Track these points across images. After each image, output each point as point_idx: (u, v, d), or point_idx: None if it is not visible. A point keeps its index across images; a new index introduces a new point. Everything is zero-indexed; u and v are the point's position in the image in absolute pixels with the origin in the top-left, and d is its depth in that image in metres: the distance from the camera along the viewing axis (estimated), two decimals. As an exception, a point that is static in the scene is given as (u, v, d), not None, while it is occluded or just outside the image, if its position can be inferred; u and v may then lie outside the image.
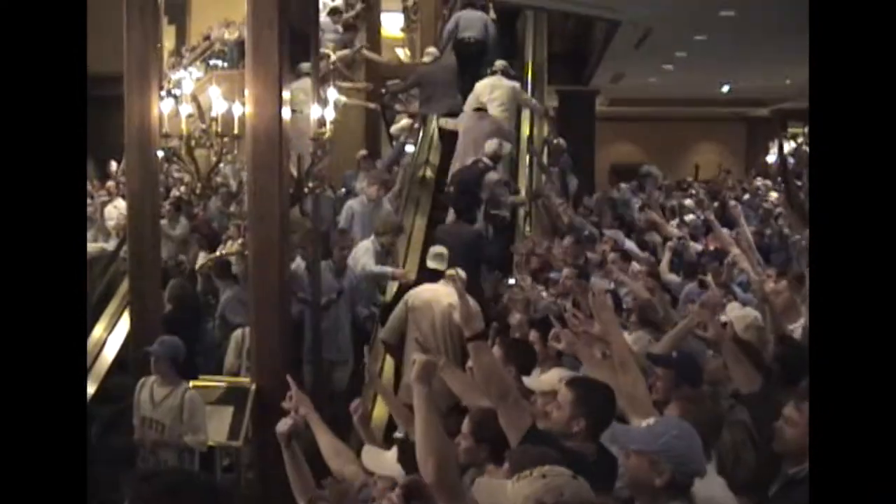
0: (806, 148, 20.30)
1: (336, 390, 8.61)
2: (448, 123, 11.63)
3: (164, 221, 9.94)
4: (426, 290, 7.92)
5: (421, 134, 12.62)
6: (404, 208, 11.19)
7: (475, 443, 4.09)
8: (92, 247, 11.51)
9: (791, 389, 4.49)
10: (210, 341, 9.24)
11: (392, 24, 16.80)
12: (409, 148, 12.83)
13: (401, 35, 16.96)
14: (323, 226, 9.32)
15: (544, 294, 7.66)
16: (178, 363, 7.01)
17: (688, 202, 14.75)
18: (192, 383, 7.15)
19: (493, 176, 10.35)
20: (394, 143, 13.73)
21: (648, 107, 27.78)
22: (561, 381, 4.30)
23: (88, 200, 12.75)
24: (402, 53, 16.63)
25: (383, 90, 13.48)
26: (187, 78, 8.02)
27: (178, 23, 19.65)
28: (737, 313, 6.41)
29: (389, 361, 8.74)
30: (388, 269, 9.28)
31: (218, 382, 7.61)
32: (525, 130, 12.58)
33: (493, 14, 14.01)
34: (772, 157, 27.98)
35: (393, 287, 9.61)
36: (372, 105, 13.61)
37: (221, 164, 8.29)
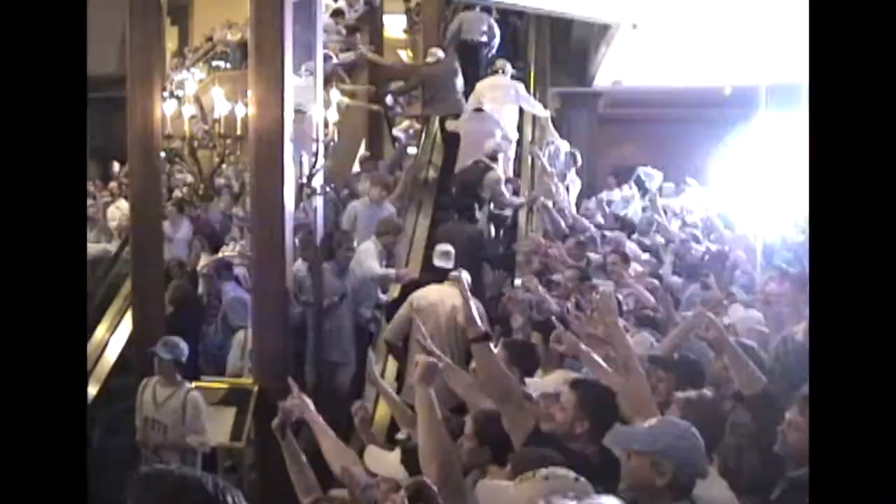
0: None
1: (338, 392, 8.60)
2: (451, 126, 11.64)
3: (166, 222, 9.95)
4: (431, 292, 7.92)
5: (423, 135, 12.63)
6: (407, 209, 11.19)
7: (478, 444, 4.09)
8: (94, 248, 11.54)
9: (793, 391, 4.49)
10: (212, 343, 9.25)
11: (394, 25, 16.80)
12: (412, 150, 12.84)
13: (403, 37, 16.97)
14: (325, 227, 9.31)
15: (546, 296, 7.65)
16: (181, 364, 7.02)
17: (690, 203, 14.72)
18: (194, 384, 7.16)
19: (493, 175, 10.37)
20: (396, 144, 13.74)
21: (650, 108, 27.73)
22: (564, 383, 4.30)
23: (91, 201, 12.78)
24: (405, 55, 16.64)
25: (387, 95, 13.51)
26: (190, 79, 8.01)
27: (180, 24, 19.69)
28: (739, 315, 6.40)
29: (391, 363, 8.74)
30: (392, 272, 9.27)
31: (220, 384, 7.60)
32: (527, 132, 12.58)
33: (495, 14, 14.03)
34: (774, 159, 27.97)
35: (396, 286, 9.60)
36: (374, 107, 13.62)
37: (224, 165, 8.31)
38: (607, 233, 10.56)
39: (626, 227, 12.07)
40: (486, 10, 13.84)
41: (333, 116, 8.00)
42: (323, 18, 11.56)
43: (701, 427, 3.64)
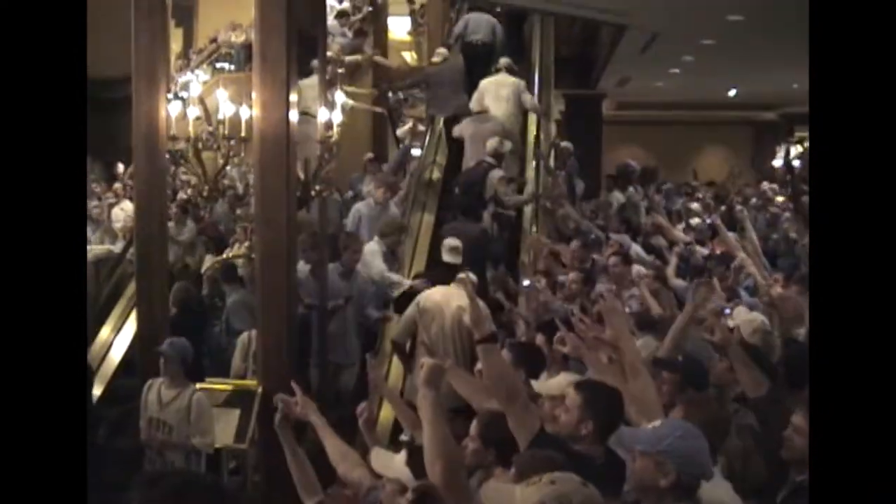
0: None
1: (342, 393, 8.60)
2: (455, 132, 11.65)
3: (170, 224, 9.95)
4: (437, 293, 7.92)
5: (428, 136, 12.63)
6: (411, 210, 11.20)
7: (483, 445, 4.09)
8: (99, 249, 11.55)
9: (798, 394, 4.49)
10: (216, 344, 9.25)
11: (399, 27, 16.81)
12: (416, 151, 12.84)
13: (408, 38, 16.97)
14: (330, 229, 9.32)
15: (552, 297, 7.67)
16: (186, 364, 7.03)
17: (694, 206, 14.73)
18: (198, 385, 7.17)
19: (496, 174, 10.38)
20: (400, 146, 13.75)
21: (655, 111, 27.75)
22: (568, 385, 4.30)
23: (95, 202, 12.80)
24: (409, 57, 16.65)
25: (389, 91, 13.50)
26: (194, 81, 8.02)
27: (185, 25, 19.66)
28: (743, 317, 6.41)
29: (395, 364, 8.74)
30: (407, 282, 9.25)
31: (224, 385, 7.61)
32: (532, 132, 12.57)
33: (497, 10, 14.04)
34: (778, 162, 27.96)
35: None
36: (378, 109, 13.64)
37: (228, 167, 8.30)
38: (612, 235, 10.57)
39: (631, 229, 12.09)
40: (491, 11, 13.85)
41: (338, 118, 8.00)
42: (328, 20, 11.61)
43: (704, 428, 3.65)
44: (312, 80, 9.13)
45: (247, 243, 9.55)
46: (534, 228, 10.85)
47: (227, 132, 7.45)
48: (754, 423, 4.60)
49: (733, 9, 13.84)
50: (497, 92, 11.80)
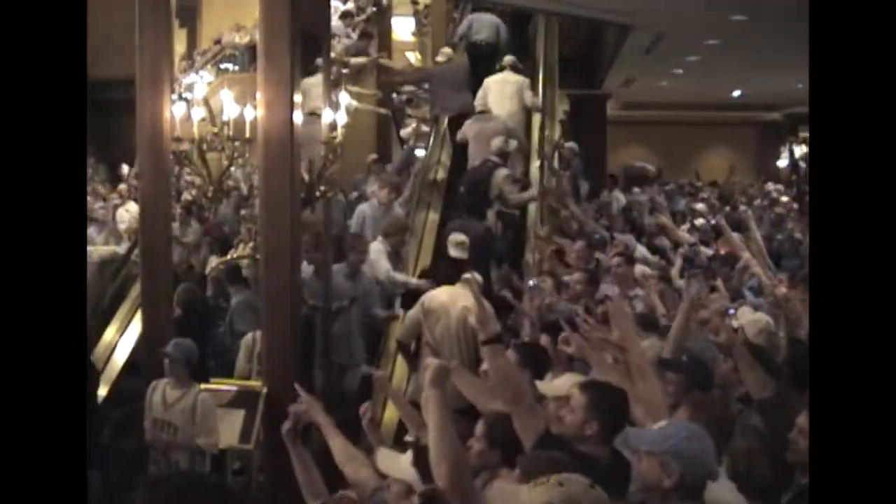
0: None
1: (347, 394, 8.61)
2: (459, 136, 11.65)
3: (175, 225, 9.96)
4: (442, 293, 7.92)
5: (432, 136, 12.64)
6: (416, 209, 11.21)
7: (488, 446, 4.08)
8: (104, 250, 11.57)
9: (803, 394, 4.48)
10: (221, 345, 9.26)
11: (403, 28, 16.83)
12: (420, 152, 12.85)
13: (412, 39, 16.99)
14: (334, 230, 9.32)
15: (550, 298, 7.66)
16: (191, 365, 7.03)
17: (699, 206, 14.73)
18: (203, 386, 7.17)
19: (501, 173, 10.39)
20: (404, 146, 13.76)
21: (660, 111, 27.75)
22: (573, 386, 4.29)
23: (100, 203, 12.83)
24: (414, 57, 16.66)
25: (393, 91, 13.51)
26: (199, 82, 8.02)
27: (188, 27, 19.72)
28: (748, 318, 6.40)
29: (400, 364, 8.75)
30: (413, 281, 9.26)
31: (229, 386, 7.61)
32: (535, 134, 12.57)
33: (502, 10, 14.05)
34: (783, 162, 27.95)
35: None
36: (382, 110, 13.65)
37: (233, 168, 8.31)
38: (617, 235, 10.56)
39: (636, 229, 12.09)
40: (496, 11, 13.86)
41: (342, 119, 8.00)
42: (332, 21, 11.62)
43: (710, 429, 3.65)
44: (317, 79, 9.13)
45: (251, 244, 9.56)
46: (539, 226, 10.84)
47: (231, 133, 7.45)
48: (759, 425, 4.59)
49: (738, 9, 13.82)
50: (501, 90, 11.81)
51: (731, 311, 6.53)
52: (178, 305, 8.69)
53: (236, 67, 15.79)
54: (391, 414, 7.74)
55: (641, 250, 10.12)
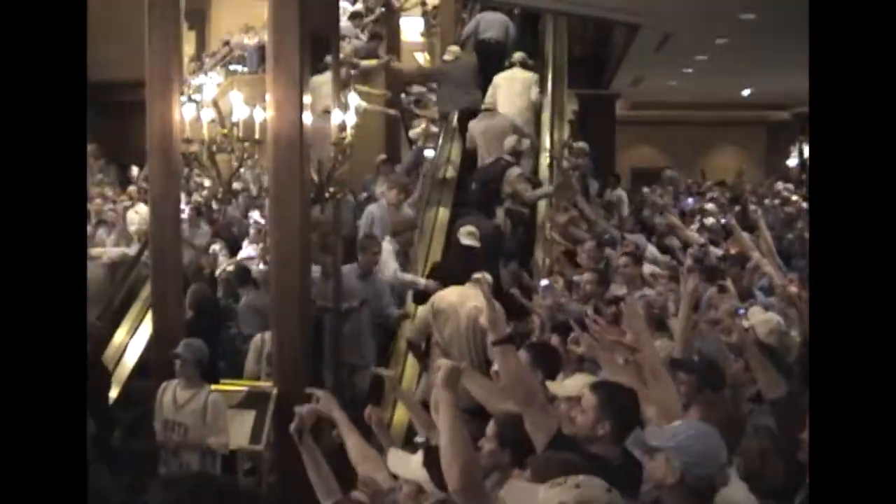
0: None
1: (357, 394, 8.61)
2: (469, 141, 11.67)
3: (184, 226, 9.98)
4: (452, 293, 7.93)
5: (442, 134, 12.66)
6: (426, 208, 11.22)
7: (499, 446, 4.08)
8: (114, 251, 11.60)
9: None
10: (231, 346, 9.27)
11: (411, 28, 16.83)
12: (429, 152, 12.86)
13: (420, 39, 16.99)
14: (343, 230, 9.33)
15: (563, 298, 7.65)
16: (202, 366, 7.04)
17: (709, 206, 14.69)
18: (213, 387, 7.18)
19: (514, 171, 10.41)
20: (413, 147, 13.76)
21: (668, 110, 27.71)
22: (584, 386, 4.29)
23: (110, 205, 12.85)
24: (422, 58, 16.66)
25: (402, 91, 13.52)
26: (209, 83, 8.03)
27: (197, 29, 19.77)
28: (759, 318, 6.37)
29: (410, 363, 8.76)
30: (422, 281, 9.26)
31: (239, 387, 7.62)
32: (546, 131, 12.57)
33: (516, 11, 14.06)
34: (793, 161, 27.88)
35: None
36: (391, 111, 13.65)
37: (242, 169, 8.32)
38: (627, 235, 10.54)
39: (646, 229, 12.07)
40: (504, 11, 13.86)
41: (352, 120, 8.01)
42: (341, 21, 11.63)
43: (721, 429, 3.64)
44: (326, 77, 9.13)
45: (261, 245, 9.58)
46: (548, 225, 10.84)
47: (240, 134, 7.46)
48: (772, 425, 4.58)
49: (746, 8, 13.80)
50: (510, 87, 11.84)
51: (742, 311, 6.51)
52: (190, 307, 8.71)
53: (245, 69, 15.82)
54: (401, 415, 7.75)
55: (651, 250, 10.10)
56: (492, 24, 13.17)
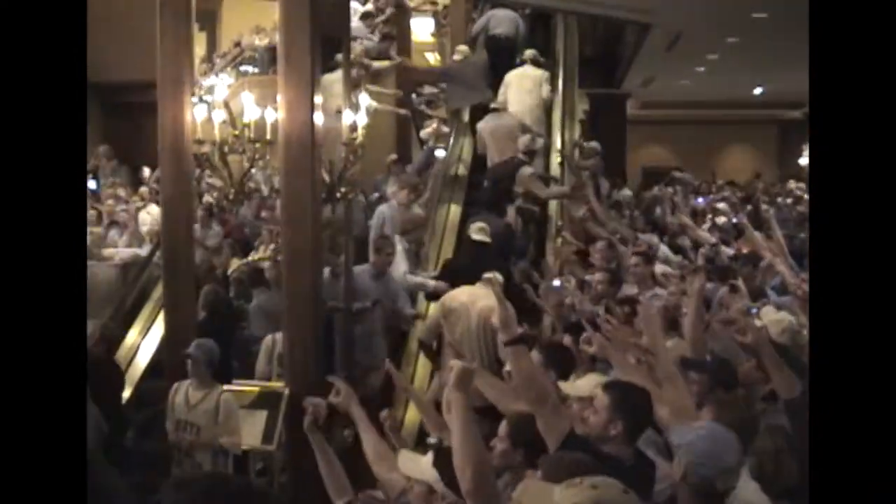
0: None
1: (369, 395, 8.60)
2: (480, 146, 11.68)
3: (196, 227, 9.99)
4: (462, 293, 7.93)
5: (453, 132, 12.66)
6: (437, 206, 11.23)
7: (511, 446, 4.08)
8: (126, 252, 11.63)
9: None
10: (244, 347, 9.27)
11: (422, 28, 16.84)
12: (440, 153, 12.86)
13: (431, 39, 17.00)
14: (355, 230, 9.33)
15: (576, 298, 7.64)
16: (213, 366, 7.05)
17: (720, 206, 14.65)
18: (225, 387, 7.19)
19: (527, 170, 10.41)
20: (424, 147, 13.76)
21: (680, 109, 27.66)
22: (597, 386, 4.28)
23: (123, 206, 12.88)
24: (433, 58, 16.67)
25: (413, 91, 13.52)
26: (220, 84, 8.03)
27: (208, 30, 19.80)
28: (771, 317, 6.35)
29: (421, 363, 8.75)
30: (431, 283, 9.25)
31: (251, 387, 7.62)
32: (556, 131, 12.56)
33: (527, 11, 14.06)
34: (805, 160, 27.78)
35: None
36: (402, 110, 13.66)
37: (253, 170, 8.32)
38: (640, 235, 10.51)
39: (657, 229, 12.04)
40: (515, 8, 13.87)
41: (363, 120, 8.01)
42: (353, 21, 11.64)
43: (734, 428, 3.64)
44: (337, 75, 9.14)
45: (272, 245, 9.58)
46: (559, 222, 10.82)
47: (252, 135, 7.46)
48: (786, 425, 4.56)
49: (758, 6, 13.77)
50: (520, 84, 11.85)
51: (754, 311, 6.49)
52: (203, 307, 8.72)
53: (256, 69, 15.83)
54: (413, 415, 7.74)
55: (664, 250, 10.08)
56: (502, 20, 13.19)
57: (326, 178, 7.72)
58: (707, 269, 8.97)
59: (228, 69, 16.03)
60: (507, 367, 4.63)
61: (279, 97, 7.29)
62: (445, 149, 12.68)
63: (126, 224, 12.53)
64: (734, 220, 12.38)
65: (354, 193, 9.05)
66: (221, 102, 7.60)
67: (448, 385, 3.60)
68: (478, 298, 7.68)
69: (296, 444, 6.98)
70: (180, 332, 7.61)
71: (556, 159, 12.03)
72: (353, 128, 7.88)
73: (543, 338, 7.29)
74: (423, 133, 14.18)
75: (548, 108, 12.28)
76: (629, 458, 3.95)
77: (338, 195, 7.92)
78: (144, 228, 12.40)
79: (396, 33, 14.46)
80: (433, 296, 8.91)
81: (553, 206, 11.09)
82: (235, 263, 10.49)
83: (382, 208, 10.50)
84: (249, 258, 10.43)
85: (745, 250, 9.96)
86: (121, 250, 11.74)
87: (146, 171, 14.80)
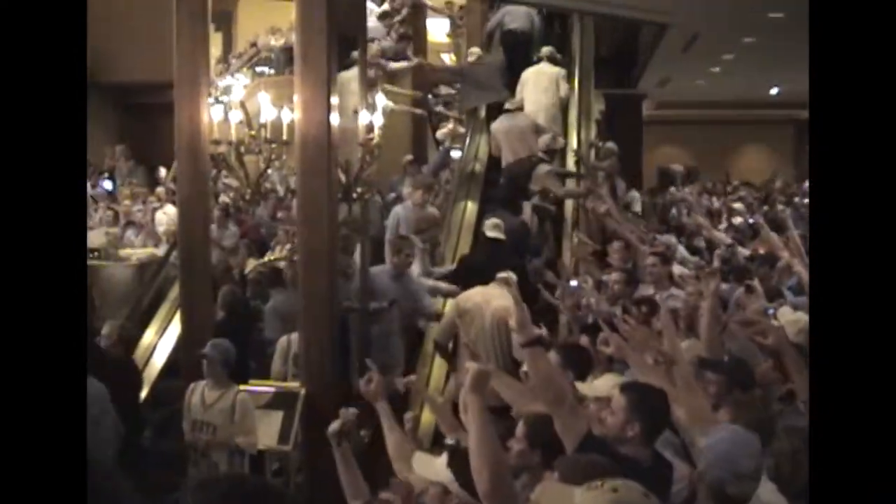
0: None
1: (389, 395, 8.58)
2: (494, 150, 11.69)
3: (213, 227, 10.02)
4: (476, 293, 7.92)
5: (470, 131, 12.68)
6: (454, 203, 11.24)
7: (528, 447, 4.07)
8: (142, 252, 11.67)
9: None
10: (261, 347, 9.28)
11: (438, 29, 16.84)
12: (456, 153, 12.85)
13: (447, 40, 17.00)
14: (371, 231, 9.33)
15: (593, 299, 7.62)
16: (229, 366, 7.06)
17: (737, 206, 14.62)
18: (241, 387, 7.20)
19: (543, 168, 10.41)
20: (440, 147, 13.77)
21: (696, 110, 27.58)
22: (614, 387, 4.28)
23: (139, 206, 12.93)
24: (448, 59, 16.66)
25: (429, 92, 13.54)
26: (236, 84, 8.06)
27: (224, 30, 19.84)
28: (788, 318, 6.33)
29: (437, 364, 8.74)
30: (443, 286, 9.23)
31: (267, 387, 7.64)
32: (572, 133, 12.54)
33: (543, 11, 14.07)
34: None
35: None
36: (418, 110, 13.66)
37: (269, 170, 8.34)
38: (659, 236, 10.49)
39: (672, 229, 12.01)
40: (531, 6, 13.87)
41: (379, 121, 8.01)
42: (371, 21, 11.66)
43: (751, 429, 3.64)
44: (353, 73, 9.14)
45: (288, 245, 9.58)
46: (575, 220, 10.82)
47: (268, 135, 7.48)
48: (805, 426, 4.54)
49: (774, 6, 13.71)
50: (536, 82, 11.85)
51: (771, 311, 6.47)
52: (222, 308, 8.73)
53: (271, 70, 15.85)
54: (429, 416, 7.73)
55: (681, 251, 10.06)
56: (517, 15, 13.19)
57: (343, 178, 7.73)
58: (723, 270, 8.97)
59: (244, 70, 16.07)
60: (524, 368, 4.62)
61: (296, 97, 7.31)
62: (461, 149, 12.69)
63: (143, 224, 12.58)
64: (750, 221, 12.34)
65: (371, 194, 9.05)
66: (238, 103, 7.63)
67: (464, 387, 3.60)
68: (492, 298, 7.67)
69: (312, 445, 7.01)
70: (197, 332, 7.63)
71: (571, 159, 12.03)
72: (370, 128, 7.89)
73: (560, 338, 7.29)
74: (440, 133, 14.18)
75: (564, 107, 12.28)
76: (647, 460, 3.95)
77: (354, 195, 7.93)
78: (161, 229, 12.45)
79: (412, 33, 14.47)
80: (447, 296, 8.92)
81: (569, 204, 11.08)
82: (252, 264, 10.50)
83: (397, 209, 10.51)
84: (265, 258, 10.44)
85: (761, 251, 9.92)
86: (137, 250, 11.78)
87: (162, 172, 14.85)
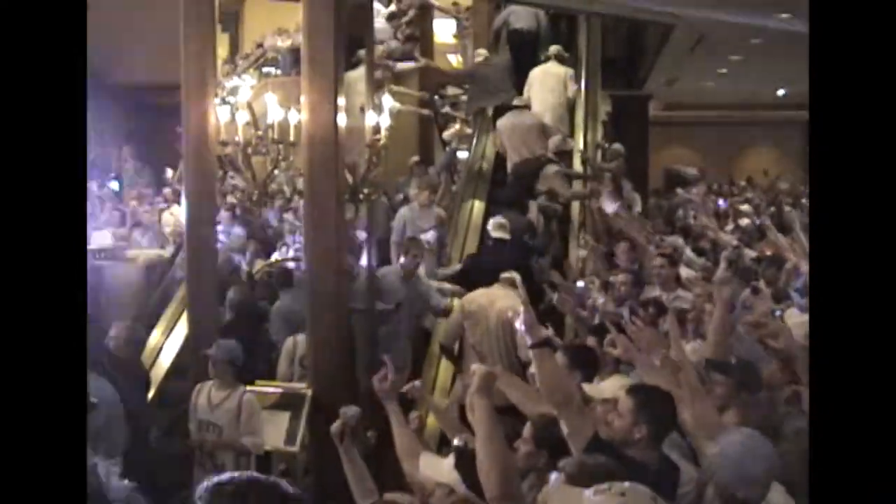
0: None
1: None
2: (498, 147, 11.68)
3: (219, 227, 10.02)
4: (481, 295, 7.92)
5: (476, 131, 12.67)
6: (461, 203, 11.24)
7: (535, 448, 4.07)
8: (149, 252, 11.68)
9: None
10: (268, 348, 9.27)
11: (444, 30, 16.83)
12: (462, 154, 12.85)
13: (453, 41, 16.99)
14: (378, 232, 9.33)
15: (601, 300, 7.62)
16: (235, 366, 7.06)
17: (744, 207, 14.59)
18: (248, 388, 7.20)
19: (551, 168, 10.41)
20: (447, 148, 13.76)
21: (703, 111, 27.53)
22: (621, 389, 4.27)
23: (146, 207, 12.94)
24: (455, 60, 16.66)
25: (436, 92, 13.55)
26: (243, 86, 8.06)
27: (230, 31, 19.83)
28: (795, 320, 6.33)
29: (443, 366, 8.73)
30: (447, 287, 9.21)
31: (274, 388, 7.64)
32: (579, 134, 12.54)
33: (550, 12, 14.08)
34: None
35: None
36: (425, 111, 13.66)
37: (276, 171, 8.34)
38: (665, 238, 10.48)
39: (677, 231, 12.00)
40: (537, 6, 13.88)
41: (386, 122, 8.01)
42: (378, 22, 11.67)
43: (758, 430, 3.64)
44: (359, 72, 9.14)
45: (295, 246, 9.59)
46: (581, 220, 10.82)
47: (275, 136, 7.48)
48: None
49: (782, 7, 13.68)
50: (543, 82, 11.86)
51: (778, 313, 6.47)
52: (231, 308, 8.73)
53: (278, 71, 15.85)
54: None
55: (688, 253, 10.05)
56: (522, 14, 13.20)
57: (349, 179, 7.72)
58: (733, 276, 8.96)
59: (251, 70, 16.07)
60: (531, 370, 4.61)
61: (303, 98, 7.30)
62: (468, 150, 12.68)
63: (149, 225, 12.58)
64: (757, 222, 12.32)
65: (377, 195, 9.05)
66: (245, 104, 7.62)
67: (471, 389, 3.60)
68: (496, 299, 7.67)
69: (318, 446, 7.00)
70: (203, 333, 7.63)
71: (578, 160, 12.02)
72: (377, 129, 7.88)
73: (567, 340, 7.28)
74: (446, 134, 14.17)
75: (571, 107, 12.27)
76: (654, 463, 3.93)
77: (361, 196, 7.93)
78: (167, 229, 12.45)
79: (419, 34, 14.47)
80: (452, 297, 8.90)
81: (575, 205, 11.08)
82: (259, 265, 10.51)
83: (403, 210, 10.51)
84: (272, 259, 10.45)
85: (768, 252, 9.91)
86: (144, 251, 11.79)
87: (169, 173, 14.86)
